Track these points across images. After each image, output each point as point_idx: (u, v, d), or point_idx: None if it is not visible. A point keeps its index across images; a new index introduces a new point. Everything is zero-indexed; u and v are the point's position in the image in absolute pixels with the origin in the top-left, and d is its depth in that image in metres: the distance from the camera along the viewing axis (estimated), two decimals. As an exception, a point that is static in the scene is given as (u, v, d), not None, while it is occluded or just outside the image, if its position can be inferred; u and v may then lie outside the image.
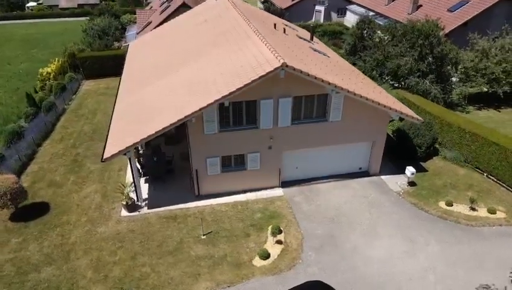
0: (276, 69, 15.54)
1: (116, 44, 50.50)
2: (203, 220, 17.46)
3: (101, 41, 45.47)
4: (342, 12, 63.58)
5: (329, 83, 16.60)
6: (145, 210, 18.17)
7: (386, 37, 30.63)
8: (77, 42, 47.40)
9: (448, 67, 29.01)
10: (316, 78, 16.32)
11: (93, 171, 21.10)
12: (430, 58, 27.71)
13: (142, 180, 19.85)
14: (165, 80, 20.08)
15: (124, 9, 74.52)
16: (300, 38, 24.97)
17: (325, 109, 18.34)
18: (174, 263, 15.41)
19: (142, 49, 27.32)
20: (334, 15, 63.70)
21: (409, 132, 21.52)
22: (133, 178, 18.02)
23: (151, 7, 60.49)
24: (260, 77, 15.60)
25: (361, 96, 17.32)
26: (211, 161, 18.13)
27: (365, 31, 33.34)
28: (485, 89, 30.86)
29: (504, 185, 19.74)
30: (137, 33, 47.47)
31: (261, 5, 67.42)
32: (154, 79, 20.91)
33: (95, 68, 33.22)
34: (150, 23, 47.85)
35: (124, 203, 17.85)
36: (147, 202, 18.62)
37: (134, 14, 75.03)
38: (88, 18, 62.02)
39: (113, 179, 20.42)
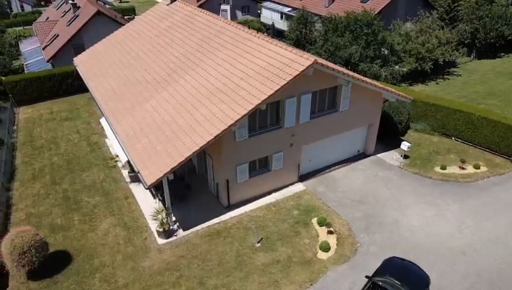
0: (309, 66, 15.98)
1: (14, 63, 44.14)
2: (247, 228, 17.16)
3: (-4, 62, 39.42)
4: (246, 10, 65.57)
5: (348, 75, 17.68)
6: (181, 233, 16.99)
7: (328, 30, 32.96)
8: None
9: (383, 50, 32.70)
10: (338, 71, 17.25)
11: (96, 205, 18.72)
12: (375, 45, 30.90)
13: (159, 203, 18.41)
14: (168, 92, 18.82)
15: (6, 21, 64.85)
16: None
17: (335, 100, 19.39)
18: (246, 277, 14.94)
19: (102, 63, 24.73)
20: (239, 13, 65.32)
21: (389, 111, 23.94)
22: (164, 202, 16.67)
23: (47, 18, 53.83)
24: (295, 77, 15.88)
25: (371, 84, 18.83)
26: (241, 168, 17.76)
27: (305, 26, 35.39)
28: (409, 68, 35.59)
29: (471, 144, 23.41)
30: (43, 48, 42.21)
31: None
32: (152, 92, 19.39)
33: (28, 92, 28.73)
34: (56, 35, 42.81)
35: (161, 229, 16.43)
36: (178, 224, 17.40)
37: (17, 26, 65.81)
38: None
39: (124, 208, 18.46)
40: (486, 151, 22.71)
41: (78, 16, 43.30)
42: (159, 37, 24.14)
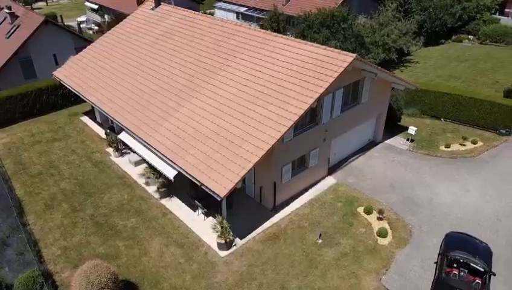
0: (351, 62, 16.52)
1: None
2: (301, 227, 17.31)
3: None
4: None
5: (376, 68, 18.56)
6: (239, 242, 16.56)
7: (304, 27, 33.82)
8: None
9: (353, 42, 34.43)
10: (372, 66, 18.02)
11: (134, 226, 17.40)
12: (351, 38, 32.46)
13: (201, 215, 17.73)
14: (199, 99, 18.11)
15: None
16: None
17: (357, 93, 20.18)
18: (324, 274, 15.10)
19: (96, 75, 22.81)
20: (182, 15, 63.87)
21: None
22: (221, 213, 16.09)
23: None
24: (341, 73, 16.32)
25: (391, 75, 19.94)
26: (286, 168, 17.79)
27: (278, 24, 35.94)
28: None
29: (459, 123, 25.83)
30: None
31: (94, 15, 60.87)
32: (178, 101, 18.51)
33: (-3, 115, 25.49)
34: (-6, 50, 38.21)
35: (222, 241, 15.86)
36: (232, 233, 16.86)
37: None
38: None
39: (168, 226, 17.42)
40: (475, 127, 25.26)
41: (18, 26, 39.07)
42: (158, 43, 22.93)
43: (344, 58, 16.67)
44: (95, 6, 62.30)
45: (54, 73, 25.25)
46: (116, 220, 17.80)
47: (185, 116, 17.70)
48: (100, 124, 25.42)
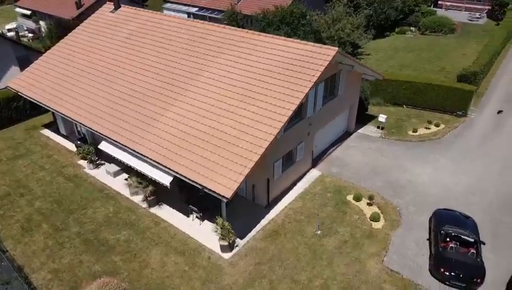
0: (335, 55, 17.01)
1: None
2: (298, 221, 17.55)
3: None
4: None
5: (354, 61, 19.26)
6: (240, 242, 16.43)
7: (264, 25, 34.14)
8: None
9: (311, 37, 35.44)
10: (354, 60, 18.70)
11: (127, 239, 16.55)
12: (311, 34, 33.32)
13: (196, 220, 17.36)
14: (184, 101, 17.62)
15: None
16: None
17: (335, 85, 20.80)
18: (329, 263, 15.47)
19: (60, 84, 21.26)
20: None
21: (356, 91, 26.49)
22: (221, 214, 15.85)
23: None
24: (326, 67, 16.74)
25: (365, 66, 20.79)
26: (277, 164, 17.93)
27: (237, 23, 35.89)
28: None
29: (420, 108, 27.62)
30: None
31: (28, 21, 56.34)
32: (160, 104, 17.91)
33: None
34: None
35: (226, 243, 15.63)
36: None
37: None
38: None
39: (164, 234, 16.80)
40: (435, 111, 27.14)
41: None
42: (127, 47, 21.92)
43: (327, 52, 17.13)
44: (28, 12, 57.57)
45: (8, 84, 23.16)
46: (106, 235, 16.82)
47: (172, 120, 17.15)
48: (66, 136, 23.81)
